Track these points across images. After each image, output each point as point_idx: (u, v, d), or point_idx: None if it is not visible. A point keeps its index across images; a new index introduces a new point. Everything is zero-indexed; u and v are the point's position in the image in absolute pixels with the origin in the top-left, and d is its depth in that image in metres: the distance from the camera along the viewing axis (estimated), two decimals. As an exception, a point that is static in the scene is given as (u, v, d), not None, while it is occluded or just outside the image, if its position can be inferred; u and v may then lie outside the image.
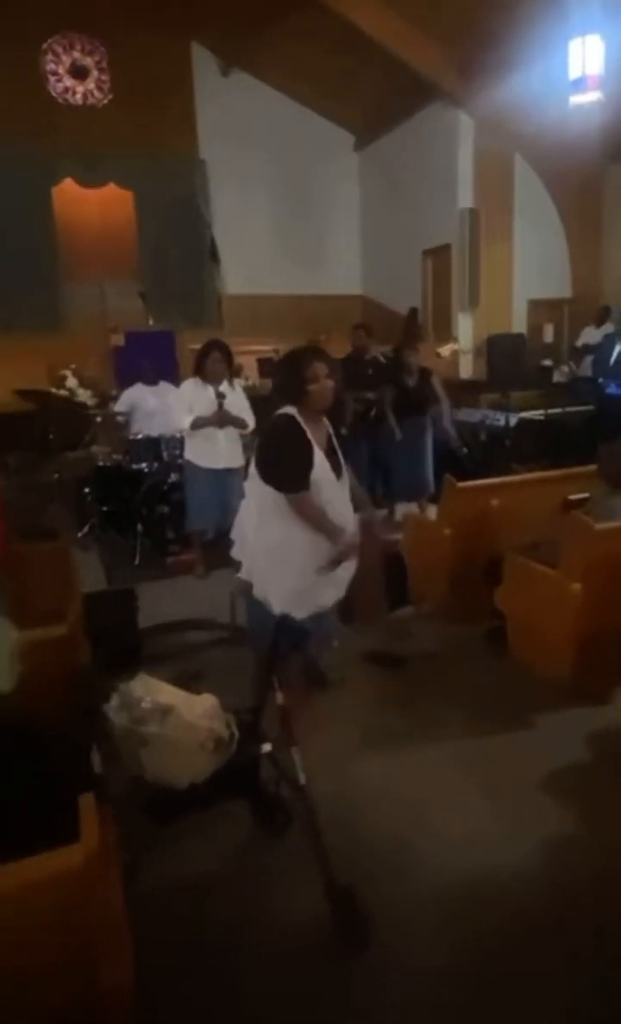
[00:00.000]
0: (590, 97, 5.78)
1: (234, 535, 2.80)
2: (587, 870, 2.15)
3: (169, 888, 2.07)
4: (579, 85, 5.75)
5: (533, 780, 2.55)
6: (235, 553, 2.78)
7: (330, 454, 2.59)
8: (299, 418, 2.49)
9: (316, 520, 2.51)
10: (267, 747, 1.95)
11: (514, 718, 2.96)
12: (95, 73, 9.67)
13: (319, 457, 2.52)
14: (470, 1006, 1.74)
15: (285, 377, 2.55)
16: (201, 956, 1.87)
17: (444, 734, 2.88)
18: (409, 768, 2.65)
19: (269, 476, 2.51)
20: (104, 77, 9.68)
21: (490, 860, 2.18)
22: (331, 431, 2.66)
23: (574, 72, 5.72)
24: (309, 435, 2.49)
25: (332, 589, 2.70)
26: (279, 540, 2.54)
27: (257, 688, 2.04)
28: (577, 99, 5.87)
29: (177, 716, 1.73)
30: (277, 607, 2.50)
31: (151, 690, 1.80)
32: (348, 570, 2.72)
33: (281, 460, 2.51)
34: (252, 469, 2.62)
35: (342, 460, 2.69)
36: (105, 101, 9.71)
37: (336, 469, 2.62)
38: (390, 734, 2.89)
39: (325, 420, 2.62)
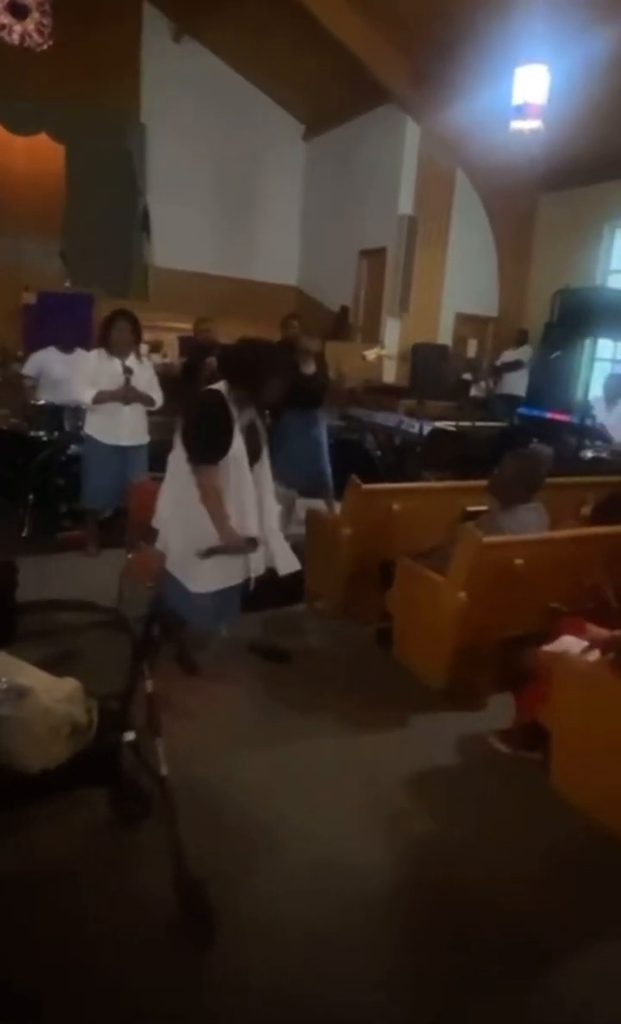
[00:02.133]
0: (530, 124, 5.94)
1: (158, 506, 2.85)
2: (435, 868, 2.20)
3: (12, 873, 1.96)
4: (521, 112, 5.90)
5: (399, 779, 2.60)
6: (155, 522, 2.85)
7: (250, 437, 2.75)
8: (228, 397, 2.67)
9: (212, 499, 2.65)
10: (130, 735, 1.87)
11: (390, 718, 3.00)
12: (36, 14, 9.07)
13: (237, 439, 2.68)
14: (307, 1000, 1.73)
15: (259, 372, 2.70)
16: (35, 946, 1.78)
17: (319, 730, 2.88)
18: (278, 762, 2.64)
19: (186, 446, 2.67)
20: (46, 21, 9.09)
21: (348, 858, 2.19)
22: (256, 416, 2.82)
23: (517, 99, 5.87)
24: (233, 414, 2.67)
25: (240, 566, 2.81)
26: (191, 509, 2.67)
27: (129, 674, 1.96)
28: (518, 125, 6.02)
29: (34, 699, 1.63)
30: (195, 586, 2.66)
31: (10, 670, 1.69)
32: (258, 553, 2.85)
33: (199, 432, 2.68)
34: (176, 442, 2.75)
35: (262, 445, 2.84)
36: (45, 46, 9.12)
37: (253, 453, 2.78)
38: (264, 727, 2.87)
39: (252, 407, 2.79)
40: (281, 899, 2.01)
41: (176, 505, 2.76)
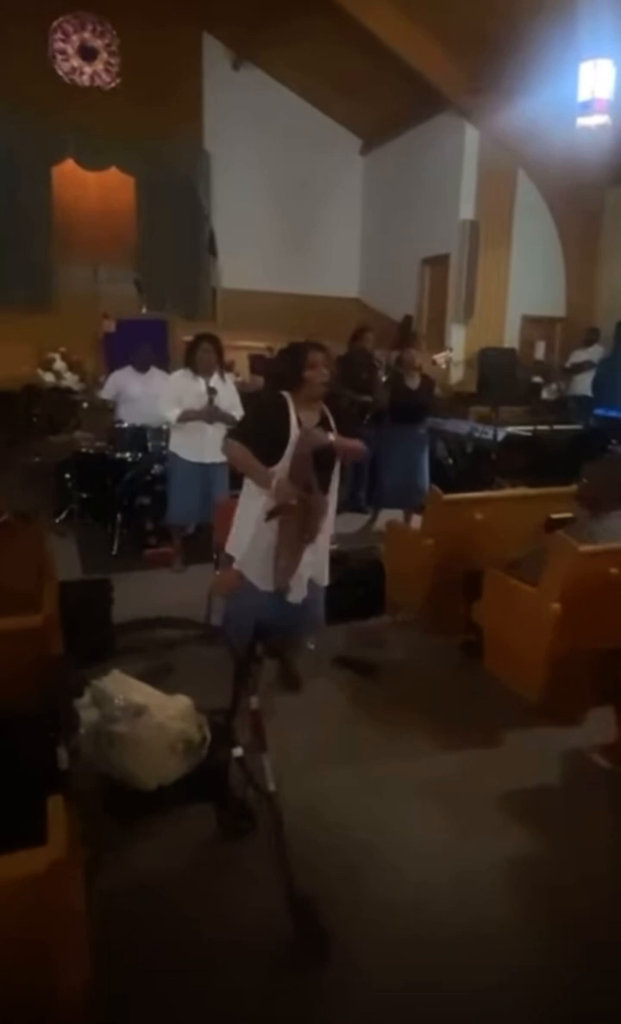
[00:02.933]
0: (597, 120, 5.82)
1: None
2: (542, 887, 2.16)
3: (129, 887, 2.03)
4: (587, 108, 5.79)
5: (495, 797, 2.56)
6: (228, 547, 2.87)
7: (320, 454, 2.67)
8: (290, 401, 2.66)
9: (244, 463, 2.65)
10: (238, 752, 1.92)
11: (482, 733, 2.96)
12: (104, 55, 9.55)
13: (293, 433, 2.63)
14: (428, 1016, 1.73)
15: (284, 363, 2.73)
16: (158, 956, 1.84)
17: (411, 745, 2.87)
18: (373, 778, 2.64)
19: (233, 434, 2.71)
20: (113, 60, 9.56)
21: (448, 875, 2.18)
22: (328, 416, 2.78)
23: (583, 95, 5.76)
24: (293, 414, 2.65)
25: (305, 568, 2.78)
26: (247, 508, 2.71)
27: (233, 690, 2.01)
28: (584, 121, 5.91)
29: (149, 716, 1.70)
30: (259, 581, 2.66)
31: (124, 688, 1.76)
32: (319, 553, 2.85)
33: (247, 419, 2.77)
34: None
35: (333, 461, 2.78)
36: (113, 84, 9.59)
37: (325, 459, 2.71)
38: (356, 742, 2.88)
39: (322, 405, 2.76)
40: (385, 916, 2.01)
41: (240, 518, 2.81)
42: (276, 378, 2.81)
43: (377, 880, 2.14)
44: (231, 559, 2.86)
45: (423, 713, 3.12)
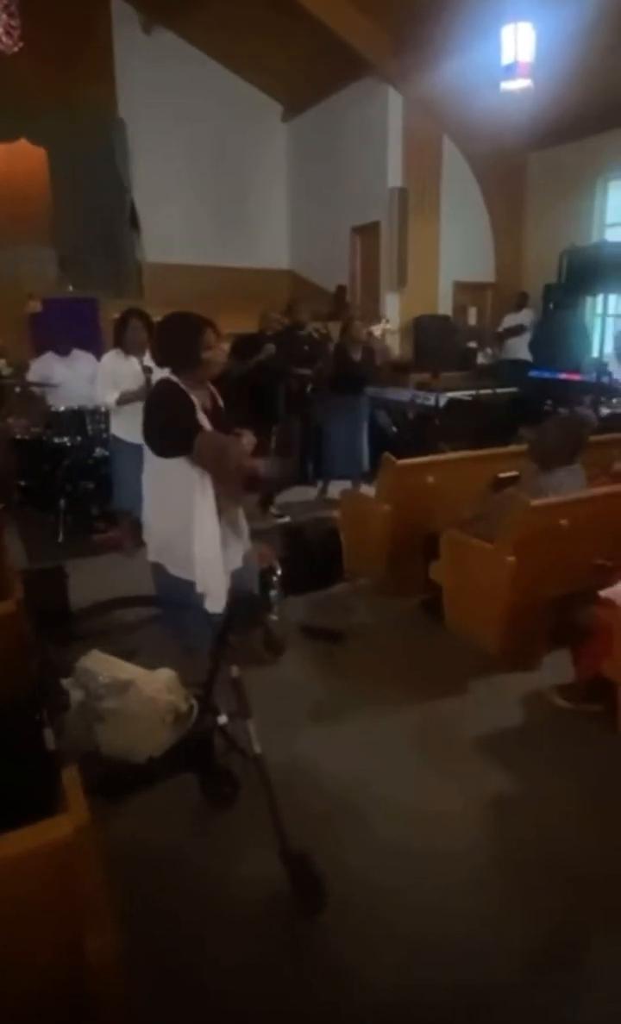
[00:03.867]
0: (520, 84, 5.87)
1: (143, 517, 2.66)
2: (526, 824, 2.28)
3: (125, 861, 2.05)
4: (510, 71, 5.83)
5: (465, 743, 2.69)
6: (145, 535, 2.65)
7: (215, 420, 2.48)
8: (182, 385, 2.41)
9: (224, 455, 2.38)
10: (223, 719, 1.94)
11: (449, 686, 3.08)
12: (4, 17, 8.99)
13: (203, 420, 2.41)
14: (430, 953, 1.82)
15: (181, 344, 2.43)
16: (166, 925, 1.87)
17: (383, 703, 2.96)
18: (350, 737, 2.72)
19: (161, 447, 2.40)
20: (14, 23, 8.98)
21: (435, 820, 2.28)
22: (216, 396, 2.57)
23: (506, 58, 5.79)
24: (193, 399, 2.40)
25: (236, 545, 2.61)
26: (186, 509, 2.41)
27: (210, 661, 2.03)
28: (507, 85, 5.96)
29: (136, 690, 1.70)
30: (198, 581, 2.41)
31: (107, 666, 1.76)
32: (242, 533, 2.67)
33: (167, 426, 2.39)
34: (145, 448, 2.48)
35: (231, 426, 2.57)
36: (15, 48, 9.02)
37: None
38: (330, 705, 2.95)
39: (210, 386, 2.54)
40: (375, 864, 2.09)
41: (162, 510, 2.53)
42: (172, 358, 2.45)
43: (360, 831, 2.23)
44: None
45: (390, 671, 3.22)
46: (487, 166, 9.19)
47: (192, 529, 2.42)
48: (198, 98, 9.95)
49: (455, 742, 2.68)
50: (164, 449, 2.41)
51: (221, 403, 2.60)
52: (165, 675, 1.81)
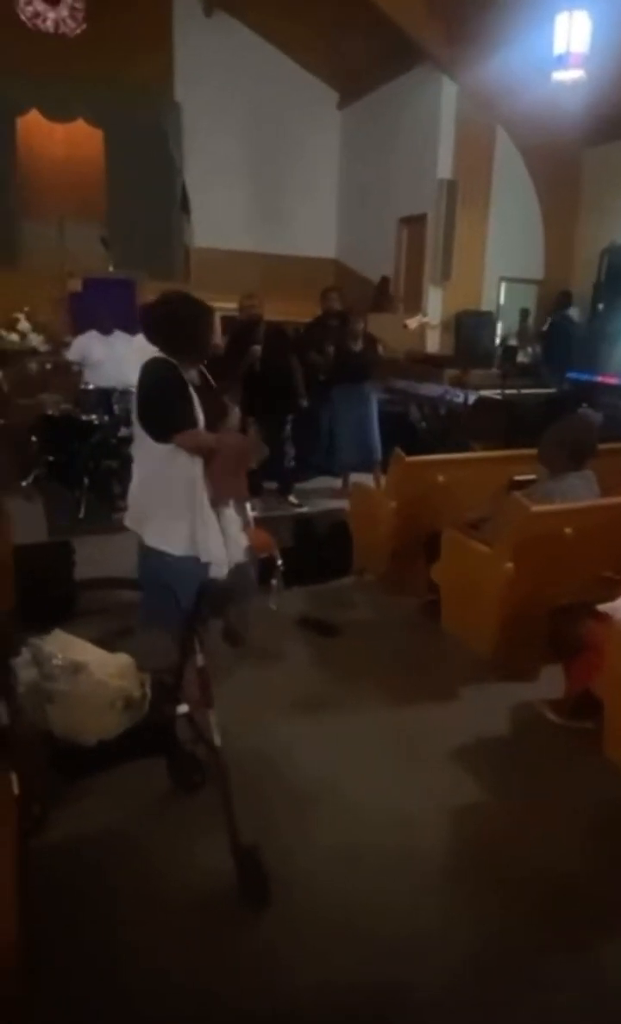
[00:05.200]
0: (572, 75, 5.67)
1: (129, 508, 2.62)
2: (489, 833, 2.23)
3: (79, 839, 2.07)
4: (562, 62, 5.64)
5: (448, 750, 2.63)
6: (127, 520, 2.61)
7: (205, 398, 2.46)
8: (172, 360, 2.39)
9: (209, 444, 2.38)
10: (184, 708, 1.94)
11: (439, 689, 3.02)
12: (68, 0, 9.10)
13: (195, 399, 2.40)
14: (367, 951, 1.80)
15: (191, 332, 2.41)
16: (106, 906, 1.88)
17: (368, 701, 2.93)
18: (329, 733, 2.70)
19: (150, 424, 2.38)
20: (78, 4, 9.11)
21: (398, 824, 2.24)
22: (206, 373, 2.54)
23: (559, 48, 5.60)
24: (185, 379, 2.39)
25: (231, 543, 2.55)
26: (168, 483, 2.39)
27: (178, 649, 2.02)
28: (560, 76, 5.76)
29: (87, 674, 1.71)
30: (175, 547, 2.38)
31: (65, 647, 1.76)
32: (239, 528, 2.61)
33: (159, 405, 2.37)
34: (136, 428, 2.46)
35: (225, 408, 2.60)
36: (78, 31, 9.14)
37: (213, 417, 2.49)
38: (314, 700, 2.93)
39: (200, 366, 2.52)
40: (328, 862, 2.07)
41: (147, 489, 2.50)
42: (174, 342, 2.40)
43: (325, 827, 2.20)
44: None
45: (382, 670, 3.17)
46: (540, 160, 8.94)
47: (179, 501, 2.40)
48: (254, 84, 9.91)
49: (434, 747, 2.63)
50: (156, 433, 2.38)
51: (211, 380, 2.57)
52: (120, 660, 1.81)
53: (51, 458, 5.51)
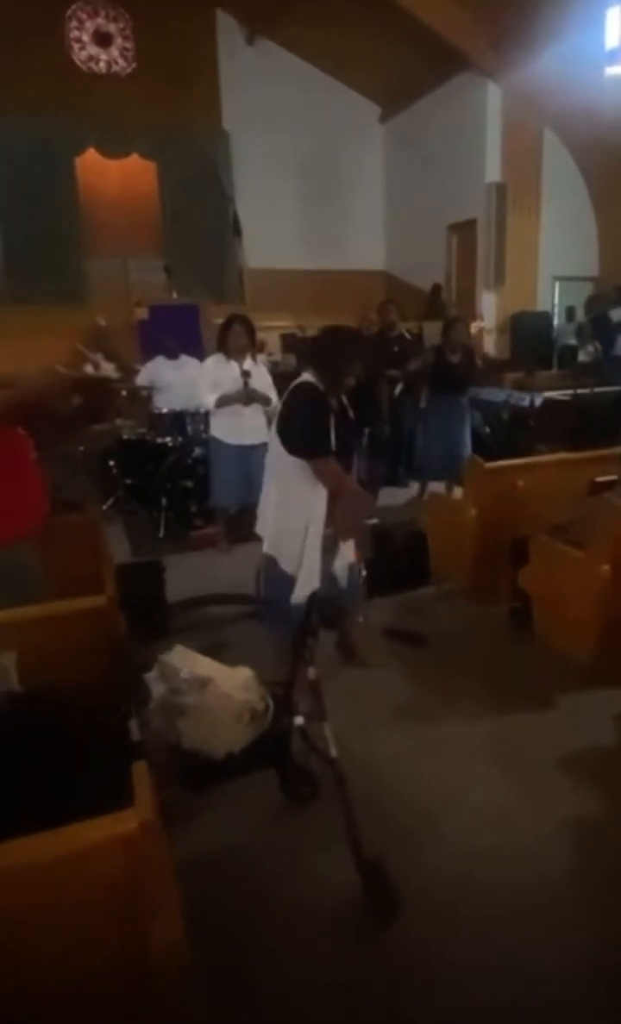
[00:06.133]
0: (627, 68, 5.62)
1: (259, 509, 2.86)
2: (605, 847, 2.19)
3: (203, 856, 2.12)
4: (615, 57, 5.58)
5: (553, 760, 2.58)
6: (259, 528, 2.84)
7: (342, 428, 2.68)
8: (319, 385, 2.61)
9: (337, 483, 2.60)
10: (300, 720, 1.99)
11: (536, 698, 2.98)
12: (119, 40, 9.52)
13: (331, 428, 2.62)
14: (497, 968, 1.79)
15: (332, 360, 2.65)
16: (236, 923, 1.92)
17: (465, 711, 2.91)
18: (430, 744, 2.69)
19: (292, 444, 2.59)
20: (128, 45, 9.52)
21: (511, 836, 2.22)
22: (347, 405, 2.75)
23: (611, 42, 5.55)
24: (328, 404, 2.62)
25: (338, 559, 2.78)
26: (302, 508, 2.62)
27: (290, 662, 2.08)
28: (613, 70, 5.71)
29: (215, 687, 1.77)
30: (299, 576, 2.61)
31: (189, 662, 1.84)
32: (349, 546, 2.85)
33: (305, 427, 2.59)
34: (273, 439, 2.69)
35: (353, 439, 2.83)
36: (129, 69, 9.56)
37: (342, 440, 2.69)
38: (411, 711, 2.93)
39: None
40: (450, 876, 2.07)
41: (281, 503, 2.71)
42: (320, 371, 2.66)
43: (439, 843, 2.20)
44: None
45: (475, 679, 3.16)
46: (593, 157, 8.82)
47: (306, 526, 2.63)
48: (298, 105, 10.12)
49: (541, 756, 2.60)
50: (293, 448, 2.60)
51: (351, 412, 2.76)
52: (243, 674, 1.88)
53: (129, 481, 5.71)
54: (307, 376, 2.64)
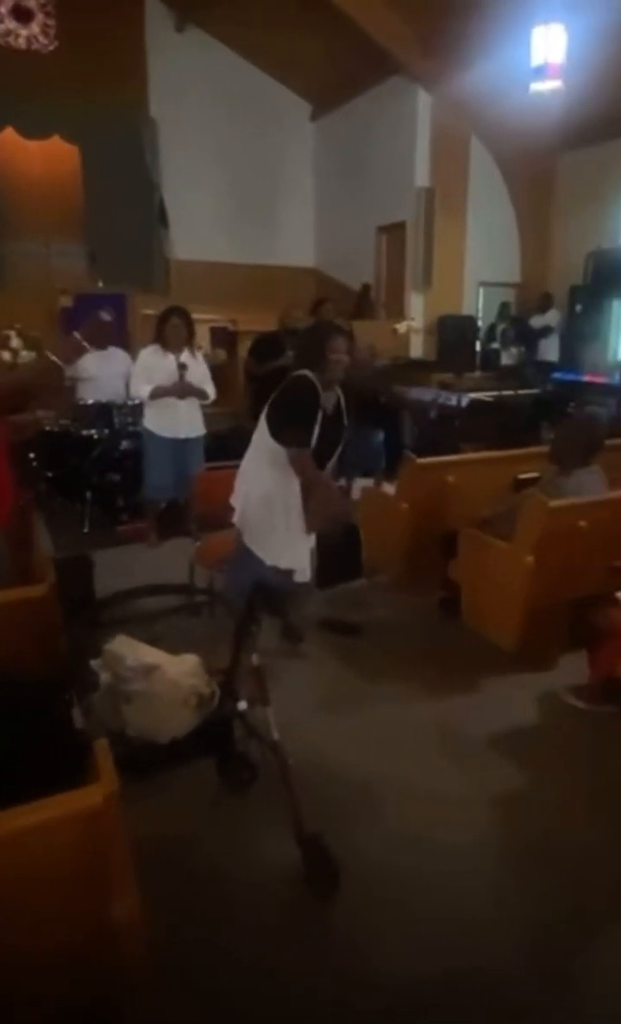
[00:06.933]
0: (550, 85, 5.86)
1: (236, 483, 2.90)
2: (534, 819, 2.32)
3: (147, 839, 2.12)
4: (540, 73, 5.82)
5: (483, 739, 2.72)
6: (232, 499, 2.89)
7: (330, 425, 2.75)
8: (316, 381, 2.68)
9: (309, 477, 2.69)
10: (243, 705, 2.01)
11: (465, 681, 3.12)
12: (40, 16, 9.14)
13: (320, 421, 2.68)
14: (435, 936, 1.88)
15: (310, 345, 2.75)
16: (176, 907, 1.94)
17: (398, 696, 3.01)
18: (366, 729, 2.78)
19: (276, 430, 2.69)
20: (50, 22, 9.16)
21: (447, 811, 2.33)
22: (342, 401, 2.84)
23: (536, 59, 5.79)
24: (320, 397, 2.68)
25: (306, 547, 2.87)
26: (274, 490, 2.71)
27: (233, 648, 2.10)
28: (537, 86, 5.95)
29: (161, 673, 1.77)
30: (266, 557, 2.72)
31: (134, 650, 1.83)
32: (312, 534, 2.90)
33: (290, 416, 2.69)
34: (261, 421, 2.78)
35: (340, 437, 2.86)
36: (51, 47, 9.20)
37: (332, 438, 2.79)
38: (345, 697, 3.01)
39: (338, 390, 2.82)
40: (387, 850, 2.15)
41: (254, 481, 2.80)
42: (300, 358, 2.81)
43: (374, 816, 2.29)
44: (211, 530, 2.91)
45: (408, 665, 3.27)
46: (515, 167, 9.17)
47: (275, 510, 2.73)
48: (229, 97, 10.02)
49: (470, 737, 2.73)
50: (276, 433, 2.68)
51: (344, 410, 2.85)
52: (190, 660, 1.88)
53: (50, 474, 5.54)
54: (304, 371, 2.74)
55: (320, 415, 2.67)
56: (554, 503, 2.88)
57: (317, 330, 2.84)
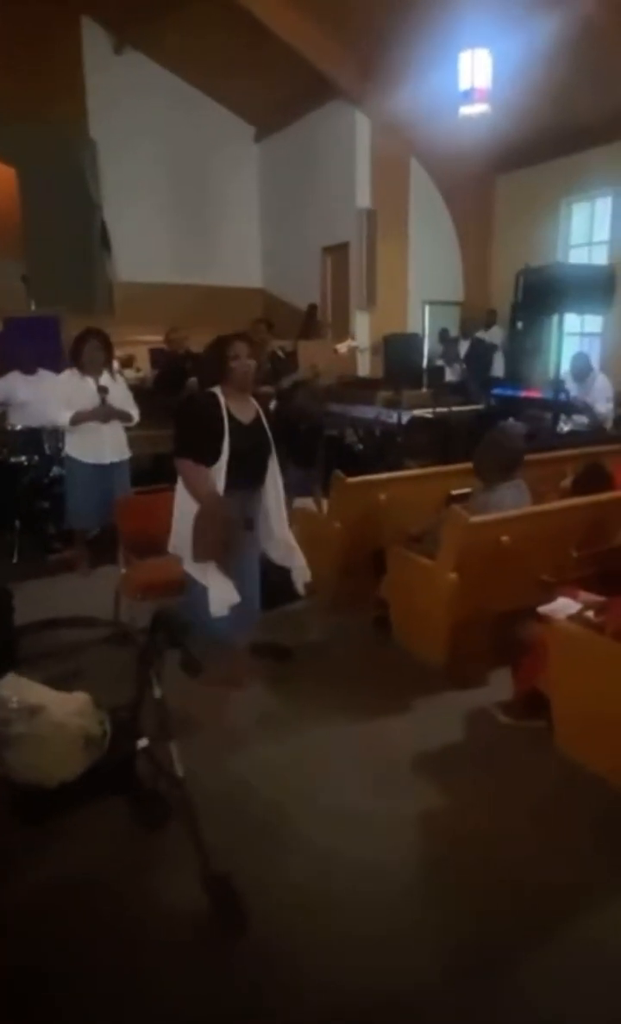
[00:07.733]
0: (478, 109, 6.01)
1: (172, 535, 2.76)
2: (460, 836, 2.28)
3: (44, 889, 2.01)
4: (467, 97, 5.97)
5: (409, 758, 2.67)
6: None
7: (248, 434, 2.66)
8: (221, 396, 2.61)
9: (193, 488, 2.58)
10: (143, 742, 1.92)
11: (394, 701, 3.06)
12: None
13: (235, 432, 2.59)
14: (355, 953, 1.82)
15: (209, 356, 2.71)
16: (82, 956, 1.83)
17: (326, 720, 2.94)
18: (291, 756, 2.70)
19: (174, 443, 2.66)
20: (-16, 42, 9.10)
21: (373, 832, 2.27)
22: (259, 411, 2.75)
23: (463, 84, 5.93)
24: (227, 411, 2.60)
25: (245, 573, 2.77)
26: (186, 513, 2.61)
27: (136, 683, 2.00)
28: (466, 110, 6.10)
29: (46, 715, 1.67)
30: (199, 578, 2.61)
31: (20, 690, 1.73)
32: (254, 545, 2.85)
33: (184, 429, 2.67)
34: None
35: (267, 449, 2.75)
36: (-14, 68, 9.13)
37: (255, 448, 2.68)
38: (273, 723, 2.93)
39: (252, 400, 2.74)
40: (309, 874, 2.08)
41: (181, 505, 2.69)
42: (203, 373, 2.81)
43: (294, 849, 2.20)
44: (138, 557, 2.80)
45: (337, 688, 3.20)
46: (454, 187, 9.38)
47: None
48: (170, 119, 10.07)
49: (395, 757, 2.67)
50: (174, 451, 2.62)
51: (264, 420, 2.74)
52: (79, 699, 1.79)
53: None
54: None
55: (229, 424, 2.58)
56: (475, 519, 2.87)
57: (215, 344, 2.72)
